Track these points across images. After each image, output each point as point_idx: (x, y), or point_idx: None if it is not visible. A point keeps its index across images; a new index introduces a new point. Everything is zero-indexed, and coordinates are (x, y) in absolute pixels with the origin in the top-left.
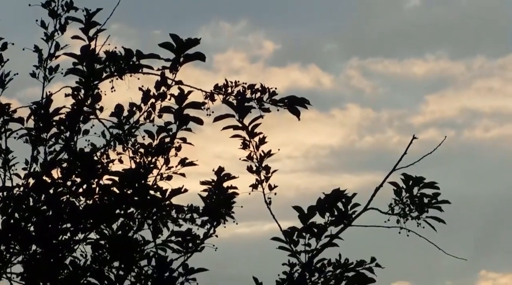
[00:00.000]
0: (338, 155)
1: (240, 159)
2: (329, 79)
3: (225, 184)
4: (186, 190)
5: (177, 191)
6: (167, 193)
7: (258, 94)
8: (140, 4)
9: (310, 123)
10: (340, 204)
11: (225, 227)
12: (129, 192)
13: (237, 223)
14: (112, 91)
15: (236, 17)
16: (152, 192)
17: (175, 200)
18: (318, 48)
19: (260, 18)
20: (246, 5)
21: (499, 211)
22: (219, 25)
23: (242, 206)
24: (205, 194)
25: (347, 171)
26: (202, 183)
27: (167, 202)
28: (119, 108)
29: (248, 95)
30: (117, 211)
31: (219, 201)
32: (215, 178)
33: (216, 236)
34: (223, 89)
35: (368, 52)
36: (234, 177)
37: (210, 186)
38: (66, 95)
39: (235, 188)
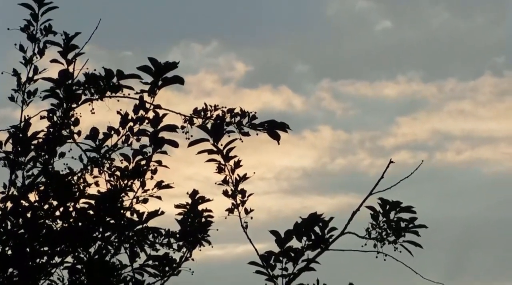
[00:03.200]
0: (310, 177)
1: (215, 183)
2: (301, 101)
3: (200, 207)
4: (163, 213)
5: (154, 214)
6: (144, 216)
7: (238, 118)
8: (110, 25)
9: (282, 145)
10: (317, 228)
11: (200, 250)
12: (105, 215)
13: (212, 247)
14: (92, 113)
15: (207, 38)
16: (128, 215)
17: (151, 223)
18: (289, 70)
19: (231, 39)
20: (216, 26)
21: (472, 234)
22: (190, 46)
23: (217, 229)
24: (180, 217)
25: (319, 193)
26: (177, 206)
27: (144, 225)
28: (94, 131)
29: (228, 119)
30: (94, 234)
31: (195, 226)
32: (189, 200)
33: (193, 259)
34: (202, 113)
35: (340, 74)
36: (208, 200)
37: (185, 209)
38: (42, 118)
39: (210, 211)
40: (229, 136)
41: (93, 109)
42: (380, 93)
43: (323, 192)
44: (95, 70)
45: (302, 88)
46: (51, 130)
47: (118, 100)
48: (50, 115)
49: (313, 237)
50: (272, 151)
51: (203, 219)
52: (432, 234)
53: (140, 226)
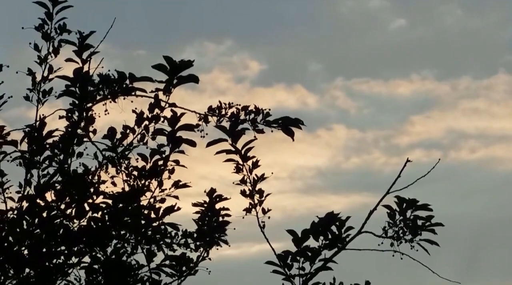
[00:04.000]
0: (325, 176)
1: (233, 183)
2: (315, 100)
3: (217, 206)
4: (179, 208)
5: (170, 209)
6: (160, 211)
7: (252, 116)
8: (123, 24)
9: (296, 144)
10: (334, 228)
11: (218, 249)
12: (122, 214)
13: (230, 246)
14: (105, 114)
15: (220, 37)
16: (145, 211)
17: (168, 220)
18: (303, 68)
19: (245, 38)
20: (230, 25)
21: (485, 232)
22: (204, 45)
23: (235, 229)
24: (197, 216)
25: (333, 192)
26: (194, 205)
27: (160, 222)
28: (112, 130)
29: (242, 117)
30: (111, 234)
31: (212, 226)
32: (204, 199)
33: (210, 259)
34: (217, 111)
35: (353, 73)
36: (226, 199)
37: (203, 208)
38: (60, 117)
39: (228, 209)
40: (244, 133)
41: (106, 110)
42: (394, 91)
43: (337, 191)
44: (109, 71)
45: (316, 86)
46: (69, 129)
47: (132, 101)
48: (69, 115)
49: (330, 237)
50: (286, 150)
51: (220, 218)
52: (446, 233)
53: (157, 223)
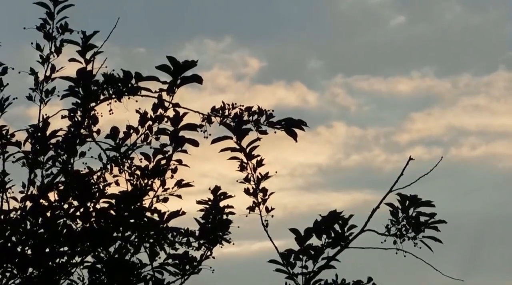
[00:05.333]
0: (325, 173)
1: (237, 181)
2: (315, 97)
3: (221, 204)
4: (184, 213)
5: (175, 214)
6: (165, 216)
7: (256, 116)
8: (122, 21)
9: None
10: (336, 226)
11: (222, 247)
12: (125, 214)
13: (233, 244)
14: (110, 114)
15: (220, 34)
16: (149, 214)
17: (172, 222)
18: (303, 66)
19: (244, 35)
20: (230, 23)
21: (486, 229)
22: (203, 43)
23: (239, 227)
24: (201, 213)
25: (334, 190)
26: (199, 202)
27: (164, 225)
28: (114, 130)
29: (246, 118)
30: (114, 234)
31: (216, 223)
32: (205, 197)
33: (213, 257)
34: (220, 112)
35: (353, 70)
36: (230, 196)
37: (207, 206)
38: (63, 117)
39: (232, 207)
40: (248, 133)
41: (111, 110)
42: (394, 88)
43: (338, 189)
44: (113, 70)
45: (316, 84)
46: (72, 129)
47: (136, 101)
48: (71, 114)
49: (332, 235)
50: (287, 148)
51: (225, 216)
52: (448, 230)
53: (161, 226)
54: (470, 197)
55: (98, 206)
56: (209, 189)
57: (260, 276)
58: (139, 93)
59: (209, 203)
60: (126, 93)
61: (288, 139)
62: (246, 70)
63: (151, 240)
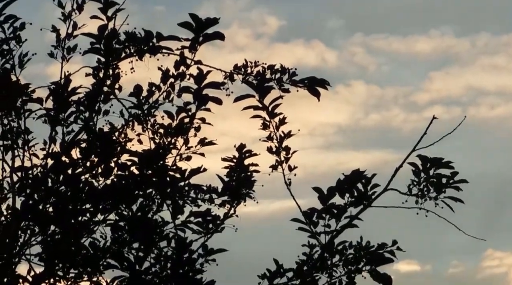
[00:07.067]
0: (344, 132)
1: (260, 139)
2: (333, 56)
3: (246, 162)
4: (205, 170)
5: (196, 171)
6: (186, 173)
7: (278, 75)
8: None
9: (315, 100)
10: (359, 185)
11: (245, 205)
12: (148, 172)
13: (257, 202)
14: (131, 72)
15: None
16: (171, 172)
17: (193, 180)
18: (322, 24)
19: None
20: None
21: (504, 190)
22: (222, 0)
23: (263, 185)
24: (224, 171)
25: (353, 149)
26: (224, 159)
27: (186, 182)
28: (138, 88)
29: (268, 76)
30: (136, 191)
31: (240, 180)
32: (227, 155)
33: (237, 216)
34: (243, 69)
35: (372, 29)
36: (255, 154)
37: (232, 164)
38: (87, 75)
39: (256, 165)
40: (270, 91)
41: (132, 68)
42: (413, 47)
43: (357, 148)
44: (135, 28)
45: (335, 42)
46: (95, 87)
47: (158, 59)
48: (95, 72)
49: (355, 194)
50: (306, 107)
51: (249, 174)
52: (468, 190)
53: (182, 183)
54: (488, 156)
55: (120, 163)
56: (234, 146)
57: (280, 235)
58: (160, 51)
59: (234, 160)
60: (147, 52)
61: (307, 99)
62: (265, 29)
63: (173, 198)
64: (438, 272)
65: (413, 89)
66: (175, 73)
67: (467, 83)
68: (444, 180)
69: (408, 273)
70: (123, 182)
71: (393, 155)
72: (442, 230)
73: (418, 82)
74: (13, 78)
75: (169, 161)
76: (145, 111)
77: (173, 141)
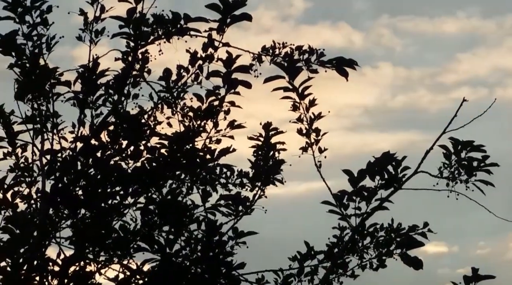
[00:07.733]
0: (371, 114)
1: (290, 121)
2: (360, 37)
3: (273, 140)
4: (234, 150)
5: (226, 151)
6: (216, 153)
7: (306, 55)
8: None
9: (342, 82)
10: (390, 167)
11: (276, 186)
12: (178, 155)
13: (285, 181)
14: (160, 54)
15: None
16: (201, 153)
17: (222, 161)
18: (348, 6)
19: None
20: None
21: None
22: None
23: (291, 165)
24: (253, 150)
25: (380, 130)
26: (250, 138)
27: (215, 163)
28: (167, 72)
29: (296, 57)
30: (166, 173)
31: (269, 164)
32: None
33: (266, 197)
34: (271, 51)
35: (399, 10)
36: (281, 132)
37: (259, 142)
38: (116, 59)
39: (283, 143)
40: (300, 71)
41: (160, 50)
42: (440, 29)
43: (384, 129)
44: (163, 11)
45: (361, 24)
46: (124, 70)
47: (186, 41)
48: (124, 57)
49: (386, 176)
50: (332, 89)
51: (277, 153)
52: (497, 173)
53: (212, 164)
54: None
55: (149, 145)
56: (260, 123)
57: (308, 217)
58: (188, 33)
59: (261, 139)
60: (175, 34)
61: (333, 80)
62: (291, 11)
63: (204, 180)
64: (466, 253)
65: (439, 70)
66: (203, 55)
67: (494, 64)
68: (475, 163)
69: (436, 254)
70: (153, 164)
71: (419, 137)
72: (469, 211)
73: (444, 64)
74: (41, 61)
75: (199, 144)
76: (175, 94)
77: (202, 124)
